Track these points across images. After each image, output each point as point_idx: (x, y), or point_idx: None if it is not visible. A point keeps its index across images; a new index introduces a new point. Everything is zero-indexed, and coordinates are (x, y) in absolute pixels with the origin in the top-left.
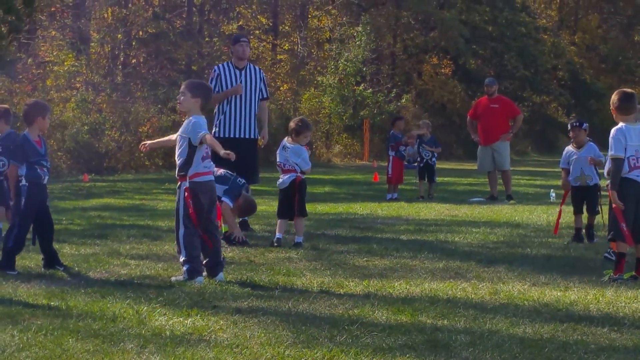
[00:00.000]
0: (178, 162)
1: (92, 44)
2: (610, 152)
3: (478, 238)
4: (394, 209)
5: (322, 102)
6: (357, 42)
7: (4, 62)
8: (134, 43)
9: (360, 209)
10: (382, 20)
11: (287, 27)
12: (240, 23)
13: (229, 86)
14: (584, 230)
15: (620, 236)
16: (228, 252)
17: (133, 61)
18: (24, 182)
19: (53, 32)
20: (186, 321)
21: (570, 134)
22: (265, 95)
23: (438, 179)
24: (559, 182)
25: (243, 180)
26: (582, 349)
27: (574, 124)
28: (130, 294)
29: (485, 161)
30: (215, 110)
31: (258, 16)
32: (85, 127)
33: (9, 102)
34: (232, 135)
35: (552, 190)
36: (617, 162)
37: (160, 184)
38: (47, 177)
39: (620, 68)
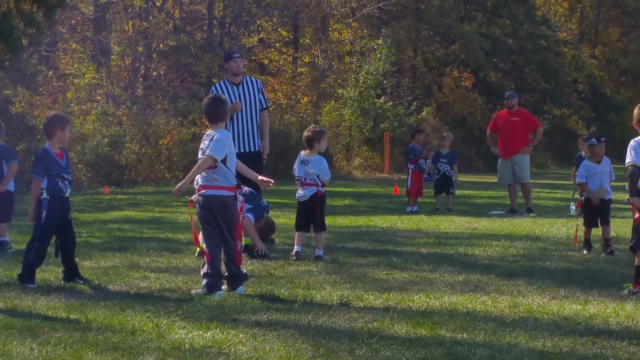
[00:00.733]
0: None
1: (113, 56)
2: (626, 160)
3: (498, 251)
4: (413, 222)
5: (342, 114)
6: (378, 55)
7: (25, 74)
8: (154, 56)
9: (380, 221)
10: (403, 33)
11: (307, 40)
12: (261, 36)
13: (229, 103)
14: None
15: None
16: (248, 265)
17: (154, 74)
18: (45, 195)
19: (74, 45)
20: (206, 334)
21: (597, 150)
22: (264, 106)
23: (458, 192)
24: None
25: (267, 203)
26: None
27: (601, 139)
28: (149, 307)
29: (505, 174)
30: None
31: (279, 29)
32: (106, 140)
33: (29, 115)
34: (237, 150)
35: (572, 203)
36: (634, 170)
37: (180, 197)
38: (69, 190)
39: None
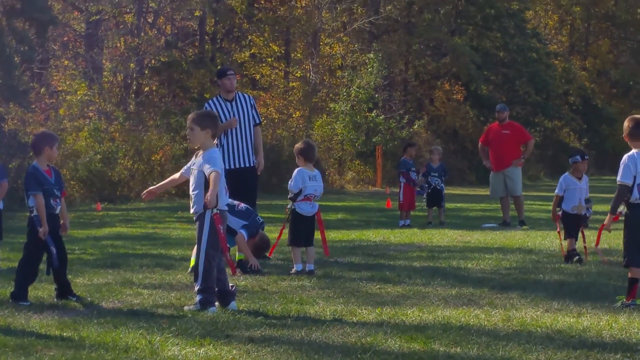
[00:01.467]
0: (194, 194)
1: (105, 73)
2: (617, 178)
3: (491, 264)
4: (406, 236)
5: (334, 129)
6: (369, 69)
7: (17, 91)
8: (146, 72)
9: (373, 235)
10: (394, 47)
11: (299, 55)
12: (253, 51)
13: (222, 120)
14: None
15: (635, 261)
16: (241, 280)
17: (146, 90)
18: (35, 212)
19: (66, 62)
20: (199, 351)
21: (581, 167)
22: (257, 122)
23: (450, 205)
24: None
25: (262, 219)
26: None
27: (585, 157)
28: (143, 324)
29: (497, 187)
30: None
31: (270, 44)
32: (98, 156)
33: (22, 132)
34: (233, 167)
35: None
36: (622, 189)
37: (172, 212)
38: (59, 207)
39: (631, 93)
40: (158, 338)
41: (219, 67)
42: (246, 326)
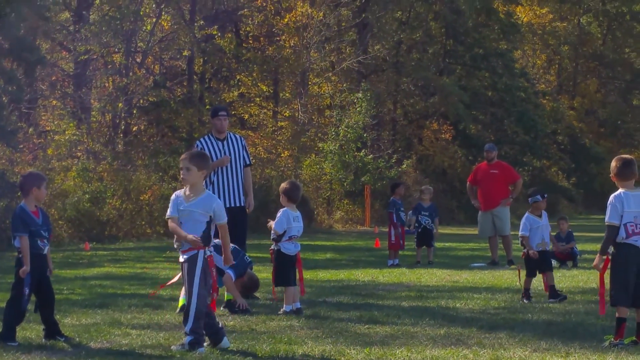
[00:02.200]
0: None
1: (93, 112)
2: (605, 219)
3: (479, 304)
4: (395, 275)
5: (323, 168)
6: (358, 108)
7: (5, 131)
8: (134, 111)
9: (362, 275)
10: (382, 87)
11: (287, 94)
12: (241, 90)
13: (214, 158)
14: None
15: (621, 301)
16: (229, 320)
17: (134, 129)
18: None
19: (54, 102)
20: None
21: (541, 206)
22: (248, 162)
23: (439, 244)
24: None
25: (250, 259)
26: None
27: (544, 195)
28: None
29: (485, 226)
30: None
31: (258, 84)
32: (87, 196)
33: (10, 172)
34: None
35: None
36: (610, 229)
37: (161, 252)
38: (47, 248)
39: (619, 132)
40: None
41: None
42: None
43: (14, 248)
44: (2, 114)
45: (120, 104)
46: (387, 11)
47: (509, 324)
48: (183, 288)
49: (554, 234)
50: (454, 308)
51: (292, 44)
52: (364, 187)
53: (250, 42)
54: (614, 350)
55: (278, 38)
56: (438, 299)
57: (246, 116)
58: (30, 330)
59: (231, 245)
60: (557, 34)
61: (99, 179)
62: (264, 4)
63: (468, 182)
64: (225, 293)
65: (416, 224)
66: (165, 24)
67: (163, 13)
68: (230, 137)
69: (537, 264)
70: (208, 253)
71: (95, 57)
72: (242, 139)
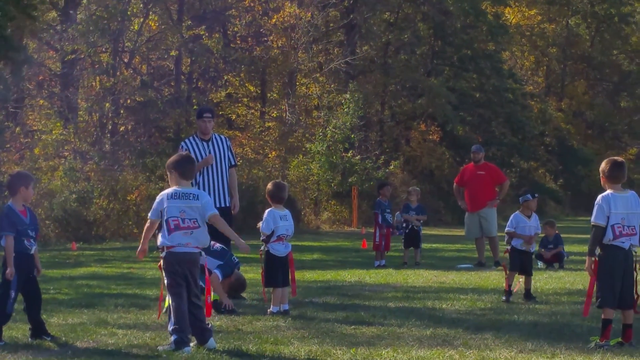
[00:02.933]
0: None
1: (80, 112)
2: (591, 219)
3: (465, 305)
4: (381, 276)
5: (310, 169)
6: (345, 109)
7: None
8: (122, 111)
9: (349, 276)
10: (370, 88)
11: (275, 95)
12: (229, 91)
13: (199, 159)
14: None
15: (607, 303)
16: (216, 320)
17: (121, 129)
18: None
19: (41, 101)
20: None
21: (532, 205)
22: (233, 163)
23: (426, 245)
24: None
25: (237, 259)
26: None
27: (535, 195)
28: None
29: (472, 227)
30: None
31: (246, 84)
32: (73, 196)
33: None
34: None
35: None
36: (596, 230)
37: (148, 252)
38: (34, 248)
39: (606, 134)
40: None
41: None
42: None
43: (0, 248)
44: None
45: (107, 104)
46: (375, 12)
47: (495, 325)
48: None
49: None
50: (440, 309)
51: (279, 45)
52: (351, 188)
53: (238, 42)
54: (600, 352)
55: (266, 38)
56: (424, 299)
57: (233, 116)
58: (17, 329)
59: (219, 245)
60: (546, 35)
61: (86, 178)
62: (252, 5)
63: (455, 184)
64: (212, 293)
65: (404, 225)
66: (152, 24)
67: (150, 13)
68: (215, 138)
69: (521, 261)
70: (162, 255)
71: (82, 56)
72: (227, 139)
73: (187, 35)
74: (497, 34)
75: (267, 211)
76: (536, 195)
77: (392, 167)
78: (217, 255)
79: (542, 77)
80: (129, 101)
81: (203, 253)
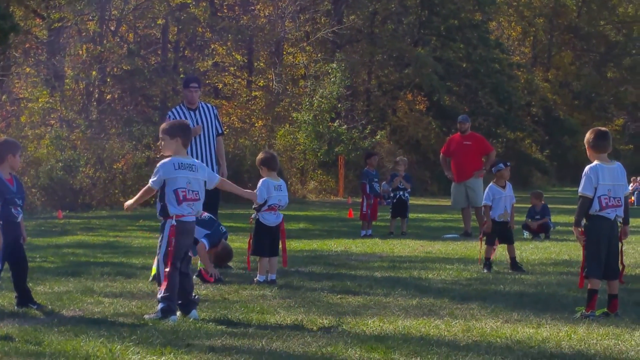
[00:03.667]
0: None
1: (67, 80)
2: (579, 190)
3: (451, 275)
4: (368, 246)
5: (297, 138)
6: (332, 79)
7: None
8: (108, 80)
9: (335, 245)
10: (357, 57)
11: (262, 64)
12: (215, 60)
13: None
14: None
15: (594, 273)
16: (202, 289)
17: (108, 98)
18: None
19: (27, 69)
20: (160, 359)
21: (505, 174)
22: (220, 132)
23: (412, 215)
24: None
25: (225, 229)
26: None
27: (507, 164)
28: (103, 332)
29: (458, 197)
30: None
31: (233, 53)
32: (60, 164)
33: None
34: None
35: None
36: (584, 201)
37: (134, 221)
38: (20, 216)
39: (593, 104)
40: (119, 347)
41: (187, 74)
42: (207, 335)
43: None
44: None
45: (94, 72)
46: None
47: (481, 295)
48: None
49: (527, 205)
50: (426, 279)
51: (266, 14)
52: (337, 158)
53: (225, 11)
54: (585, 322)
55: (253, 7)
56: (411, 269)
57: (220, 85)
58: (3, 297)
59: (207, 214)
60: (532, 6)
61: (72, 147)
62: None
63: (441, 154)
64: (198, 262)
65: (391, 195)
66: None
67: None
68: (202, 106)
69: (498, 234)
70: (173, 222)
71: (69, 24)
72: (214, 108)
73: (174, 4)
74: (485, 4)
75: (261, 180)
76: (508, 164)
77: (378, 136)
78: (205, 224)
79: (529, 48)
80: (115, 70)
81: None
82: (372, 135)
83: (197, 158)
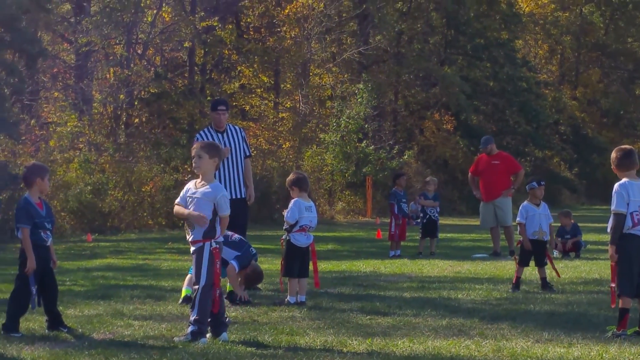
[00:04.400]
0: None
1: (95, 104)
2: (612, 207)
3: (481, 294)
4: (397, 266)
5: (324, 159)
6: (359, 99)
7: (7, 123)
8: (136, 103)
9: (364, 266)
10: (383, 77)
11: (288, 85)
12: (242, 82)
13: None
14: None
15: (625, 292)
16: (231, 311)
17: (135, 121)
18: None
19: (56, 93)
20: None
21: (537, 193)
22: (248, 154)
23: (441, 235)
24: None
25: (255, 250)
26: None
27: (541, 182)
28: (134, 355)
29: (487, 217)
30: None
31: (259, 75)
32: (89, 187)
33: (12, 164)
34: None
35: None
36: (619, 218)
37: (163, 243)
38: (50, 239)
39: (621, 122)
40: None
41: (214, 97)
42: (237, 357)
43: (17, 240)
44: (4, 105)
45: (121, 96)
46: (388, 2)
47: (511, 315)
48: (186, 279)
49: (557, 225)
50: (456, 299)
51: (293, 35)
52: (365, 178)
53: (251, 33)
54: (617, 341)
55: (279, 29)
56: (440, 289)
57: (247, 107)
58: (34, 321)
59: (237, 235)
60: (559, 23)
61: (101, 170)
62: None
63: (470, 173)
64: (228, 284)
65: (421, 214)
66: (166, 16)
67: (164, 4)
68: (230, 128)
69: (532, 254)
70: (214, 245)
71: (96, 48)
72: (242, 130)
73: (200, 27)
74: (511, 23)
75: (292, 200)
76: (542, 182)
77: (406, 156)
78: (235, 246)
79: (556, 66)
80: (143, 93)
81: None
82: (400, 155)
83: (225, 180)
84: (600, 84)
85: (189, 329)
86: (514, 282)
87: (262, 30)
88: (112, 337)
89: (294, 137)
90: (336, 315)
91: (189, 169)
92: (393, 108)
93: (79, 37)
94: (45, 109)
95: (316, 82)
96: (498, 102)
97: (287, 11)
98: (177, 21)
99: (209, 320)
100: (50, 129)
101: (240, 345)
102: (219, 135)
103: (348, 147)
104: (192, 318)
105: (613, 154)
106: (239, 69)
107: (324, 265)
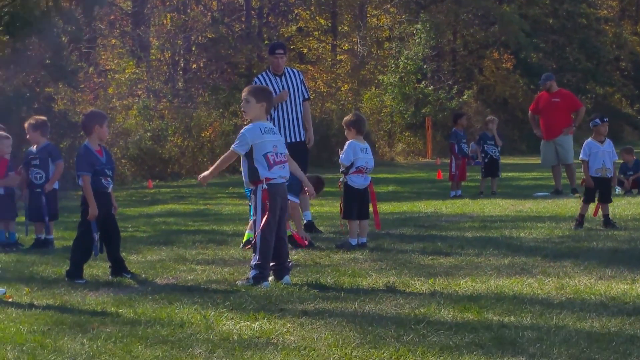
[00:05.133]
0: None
1: (152, 50)
2: None
3: (543, 233)
4: (458, 207)
5: (383, 101)
6: (417, 40)
7: (66, 71)
8: (193, 48)
9: (424, 207)
10: (442, 17)
11: (346, 27)
12: (299, 25)
13: (274, 94)
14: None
15: None
16: (294, 255)
17: (193, 66)
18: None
19: (113, 41)
20: (253, 325)
21: (602, 130)
22: (306, 97)
23: (502, 175)
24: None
25: None
26: None
27: (604, 119)
28: (197, 300)
29: (548, 155)
30: None
31: (317, 17)
32: (148, 134)
33: (72, 112)
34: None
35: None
36: None
37: (224, 188)
38: (111, 186)
39: None
40: (212, 313)
41: (271, 40)
42: (300, 300)
43: (78, 187)
44: (62, 54)
45: (179, 42)
46: None
47: (574, 253)
48: (249, 223)
49: (619, 162)
50: (517, 238)
51: None
52: (424, 119)
53: None
54: None
55: None
56: (501, 229)
57: (305, 50)
58: (97, 267)
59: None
60: None
61: (160, 116)
62: None
63: (530, 111)
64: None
65: (482, 154)
66: None
67: None
68: (288, 72)
69: (596, 190)
70: (264, 187)
71: None
72: (300, 73)
73: None
74: None
75: (347, 142)
76: (605, 119)
77: (465, 96)
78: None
79: (617, 1)
80: (200, 38)
81: None
82: (459, 95)
83: (284, 123)
84: None
85: (251, 274)
86: (577, 219)
87: None
88: (175, 282)
89: (352, 79)
90: (398, 256)
91: (243, 108)
92: (452, 48)
93: None
94: (103, 57)
95: (374, 24)
96: (558, 39)
97: None
98: None
99: (272, 264)
100: (109, 77)
101: (302, 288)
102: (278, 78)
103: (407, 88)
104: (253, 262)
105: None
106: (296, 11)
107: (384, 207)
